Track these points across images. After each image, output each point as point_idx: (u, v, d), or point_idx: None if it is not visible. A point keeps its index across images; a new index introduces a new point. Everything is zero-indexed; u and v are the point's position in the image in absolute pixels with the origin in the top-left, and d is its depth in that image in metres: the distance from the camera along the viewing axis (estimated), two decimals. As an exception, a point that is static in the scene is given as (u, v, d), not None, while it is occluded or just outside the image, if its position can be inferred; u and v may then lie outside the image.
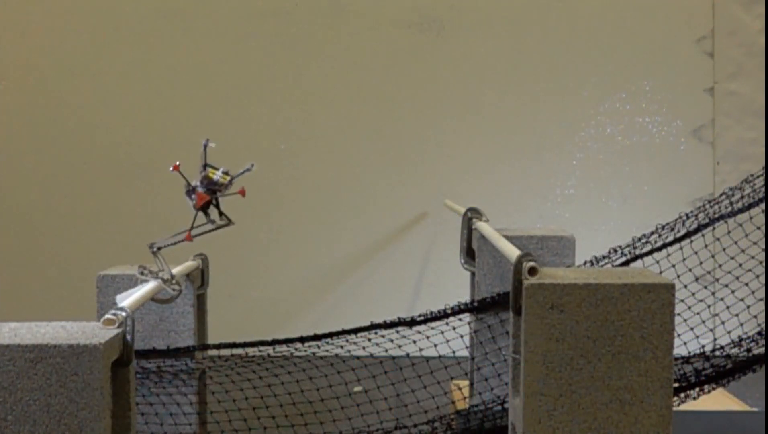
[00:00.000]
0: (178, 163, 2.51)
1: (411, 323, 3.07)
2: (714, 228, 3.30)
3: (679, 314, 2.91)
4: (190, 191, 2.58)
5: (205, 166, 2.57)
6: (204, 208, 2.60)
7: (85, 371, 2.00)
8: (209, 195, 2.58)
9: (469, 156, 5.53)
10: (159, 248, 2.67)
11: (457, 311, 3.16)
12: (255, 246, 5.52)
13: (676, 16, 5.48)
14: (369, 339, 3.12)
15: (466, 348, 3.47)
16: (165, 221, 5.58)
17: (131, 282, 2.97)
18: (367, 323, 3.10)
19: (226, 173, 2.58)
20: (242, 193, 2.59)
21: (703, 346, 3.20)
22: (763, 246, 3.31)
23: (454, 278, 4.50)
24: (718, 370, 2.94)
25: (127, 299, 2.35)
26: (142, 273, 2.69)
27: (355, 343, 3.13)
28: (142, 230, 5.54)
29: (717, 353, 3.10)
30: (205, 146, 2.56)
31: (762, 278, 3.40)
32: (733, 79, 5.44)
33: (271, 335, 3.40)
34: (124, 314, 2.16)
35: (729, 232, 3.40)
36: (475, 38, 5.51)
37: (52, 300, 5.52)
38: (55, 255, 5.57)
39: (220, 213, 2.63)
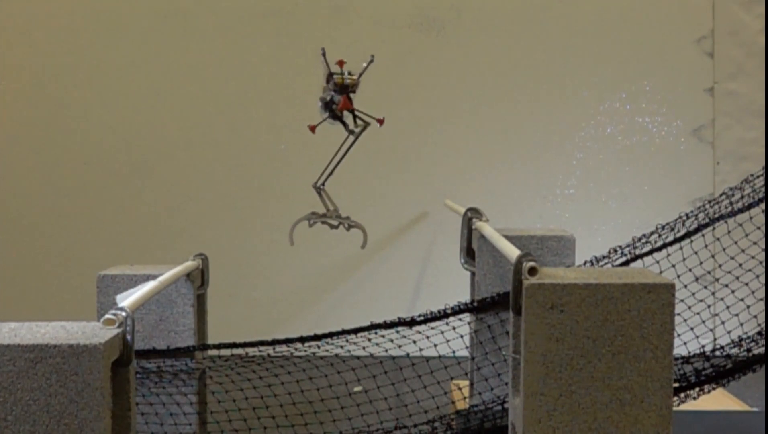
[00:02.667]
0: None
1: (411, 323, 3.07)
2: (714, 228, 3.30)
3: (679, 314, 2.91)
4: (329, 102, 2.61)
5: (332, 74, 2.62)
6: (339, 117, 2.63)
7: (85, 371, 2.00)
8: (347, 98, 2.61)
9: (469, 156, 5.53)
10: (323, 184, 2.68)
11: (457, 311, 3.16)
12: (255, 246, 5.52)
13: (676, 16, 5.47)
14: (369, 339, 3.11)
15: (466, 348, 3.47)
16: (165, 221, 5.61)
17: (131, 282, 2.97)
18: (367, 323, 3.10)
19: (351, 74, 2.64)
20: (381, 122, 2.62)
21: (703, 346, 3.20)
22: (763, 246, 3.31)
23: (454, 278, 4.49)
24: (718, 370, 2.94)
25: (127, 299, 2.35)
26: (310, 220, 2.70)
27: (355, 343, 3.13)
28: (142, 230, 5.55)
29: (717, 353, 3.10)
30: (324, 55, 2.59)
31: (762, 278, 3.40)
32: (733, 79, 5.44)
33: (271, 335, 3.40)
34: (124, 314, 2.16)
35: (729, 232, 3.40)
36: (475, 38, 5.51)
37: (52, 300, 5.52)
38: (55, 255, 5.57)
39: (355, 117, 2.67)
